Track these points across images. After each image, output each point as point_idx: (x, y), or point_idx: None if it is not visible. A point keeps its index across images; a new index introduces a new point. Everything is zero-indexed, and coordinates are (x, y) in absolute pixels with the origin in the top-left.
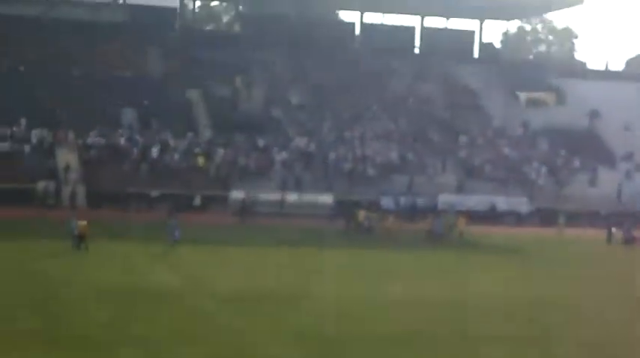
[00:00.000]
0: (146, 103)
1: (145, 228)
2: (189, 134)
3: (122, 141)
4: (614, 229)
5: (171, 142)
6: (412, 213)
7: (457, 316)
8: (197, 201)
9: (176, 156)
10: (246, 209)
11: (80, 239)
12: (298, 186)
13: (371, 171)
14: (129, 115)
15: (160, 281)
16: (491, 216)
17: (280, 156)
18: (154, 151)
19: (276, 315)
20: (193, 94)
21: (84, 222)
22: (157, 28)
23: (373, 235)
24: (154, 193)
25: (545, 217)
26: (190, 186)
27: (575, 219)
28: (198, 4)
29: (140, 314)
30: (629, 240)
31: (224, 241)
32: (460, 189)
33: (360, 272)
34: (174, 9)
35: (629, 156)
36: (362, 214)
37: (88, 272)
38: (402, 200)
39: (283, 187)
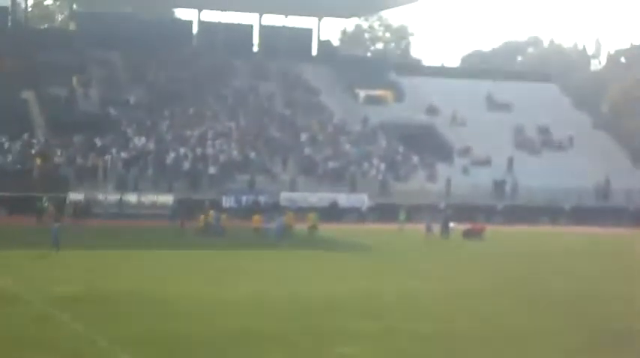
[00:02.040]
0: None
1: None
2: (25, 135)
3: None
4: (433, 223)
5: (6, 144)
6: (254, 211)
7: (298, 313)
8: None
9: (10, 158)
10: (82, 210)
11: None
12: (137, 187)
13: (212, 170)
14: None
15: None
16: (334, 213)
17: (119, 156)
18: None
19: (118, 317)
20: (28, 95)
21: None
22: None
23: (224, 235)
24: None
25: (386, 213)
26: (28, 188)
27: (415, 213)
28: (30, 2)
29: None
30: (444, 232)
31: (62, 244)
32: (301, 187)
33: (200, 272)
34: (6, 7)
35: (465, 151)
36: (211, 214)
37: None
38: (244, 198)
39: (122, 188)
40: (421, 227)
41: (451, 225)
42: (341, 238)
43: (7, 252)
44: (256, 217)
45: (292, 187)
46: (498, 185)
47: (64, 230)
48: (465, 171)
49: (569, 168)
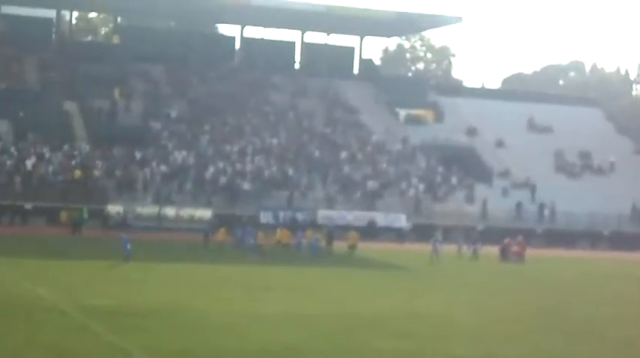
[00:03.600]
0: (22, 115)
1: (19, 241)
2: (66, 146)
3: None
4: (464, 244)
5: (47, 155)
6: (292, 227)
7: (333, 330)
8: (85, 214)
9: (50, 169)
10: (117, 222)
11: None
12: (176, 200)
13: (251, 186)
14: (3, 127)
15: (35, 295)
16: (371, 232)
17: (158, 169)
18: (29, 163)
19: (154, 331)
20: (71, 106)
21: None
22: (33, 39)
23: (259, 252)
24: (28, 206)
25: (424, 233)
26: (66, 199)
27: (451, 234)
28: (75, 15)
29: (15, 329)
30: (474, 253)
31: (99, 256)
32: (339, 205)
33: (237, 287)
34: (51, 20)
35: (505, 173)
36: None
37: None
38: (282, 215)
39: (161, 201)
40: (455, 248)
41: (477, 245)
42: (378, 257)
43: (46, 261)
44: (284, 232)
45: (330, 205)
46: (519, 208)
47: (133, 241)
48: (505, 193)
49: (610, 192)
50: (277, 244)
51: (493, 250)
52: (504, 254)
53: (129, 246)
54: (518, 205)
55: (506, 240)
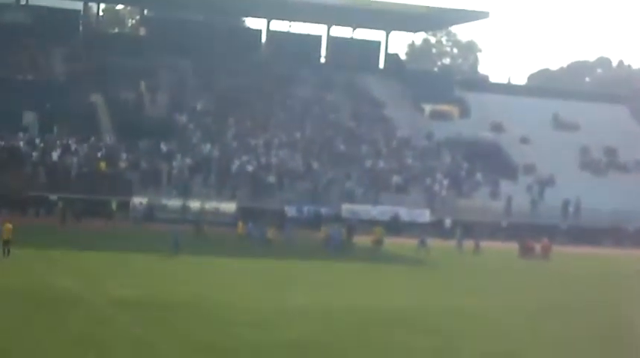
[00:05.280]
0: (48, 107)
1: (45, 232)
2: (91, 138)
3: (22, 144)
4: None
5: (73, 146)
6: (316, 221)
7: (359, 325)
8: (113, 206)
9: (75, 160)
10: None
11: (5, 243)
12: (201, 193)
13: (275, 179)
14: (30, 118)
15: (61, 286)
16: (395, 227)
17: (183, 162)
18: (55, 155)
19: (180, 324)
20: (97, 98)
21: (9, 225)
22: (60, 31)
23: (268, 246)
24: (54, 197)
25: (447, 229)
26: (92, 190)
27: (474, 230)
28: (102, 7)
29: (44, 320)
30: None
31: (126, 248)
32: (364, 199)
33: (262, 281)
34: (78, 11)
35: (529, 169)
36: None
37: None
38: (306, 209)
39: (186, 193)
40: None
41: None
42: (400, 253)
43: (72, 253)
44: (324, 229)
45: (354, 199)
46: (534, 204)
47: (182, 234)
48: (529, 189)
49: (635, 190)
50: (375, 243)
51: (515, 246)
52: (524, 250)
53: (179, 241)
54: (533, 202)
55: (526, 240)
